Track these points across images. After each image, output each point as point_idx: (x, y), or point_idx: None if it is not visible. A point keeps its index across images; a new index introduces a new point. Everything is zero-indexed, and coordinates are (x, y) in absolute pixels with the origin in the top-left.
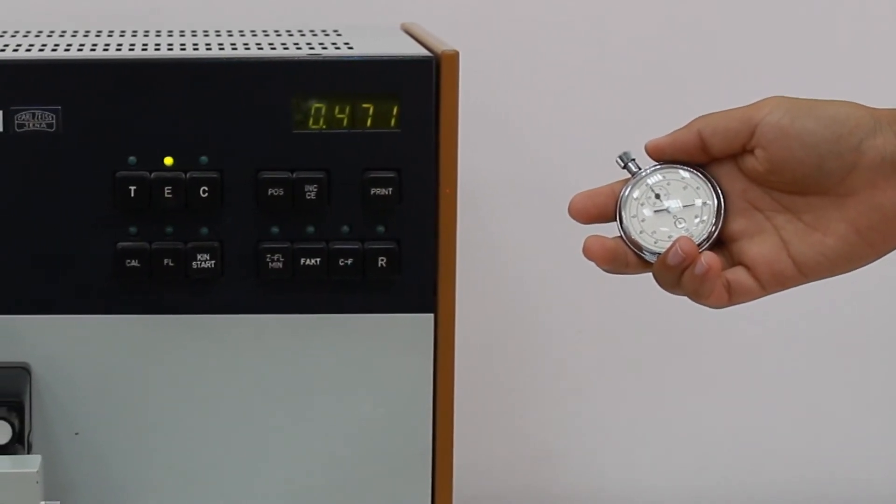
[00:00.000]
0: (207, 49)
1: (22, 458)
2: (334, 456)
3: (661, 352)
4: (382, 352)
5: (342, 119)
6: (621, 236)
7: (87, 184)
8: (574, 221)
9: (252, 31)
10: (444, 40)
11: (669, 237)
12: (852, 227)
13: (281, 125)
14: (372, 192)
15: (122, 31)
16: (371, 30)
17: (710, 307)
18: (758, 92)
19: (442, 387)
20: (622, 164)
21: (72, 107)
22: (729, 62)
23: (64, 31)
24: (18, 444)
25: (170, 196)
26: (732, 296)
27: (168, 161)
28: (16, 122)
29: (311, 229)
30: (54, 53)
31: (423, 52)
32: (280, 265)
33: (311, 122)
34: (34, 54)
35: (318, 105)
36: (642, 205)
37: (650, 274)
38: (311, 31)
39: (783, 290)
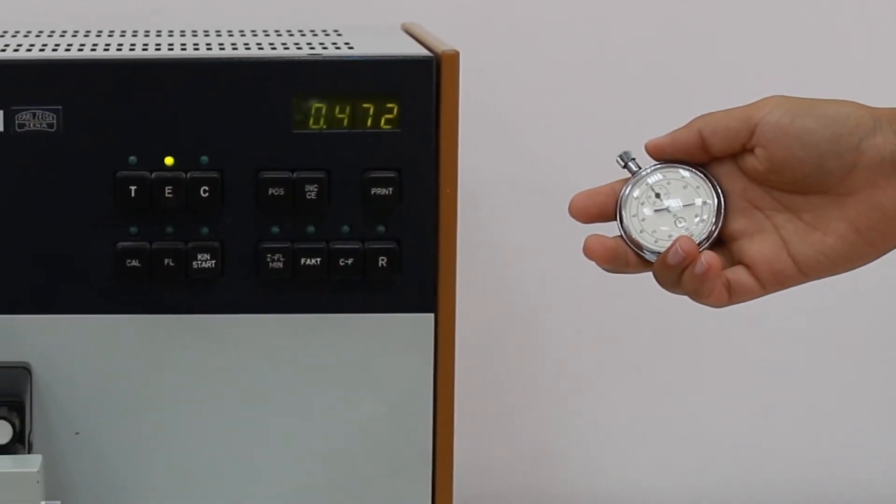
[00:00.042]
0: (208, 49)
1: (22, 457)
2: (334, 455)
3: (661, 352)
4: (383, 352)
5: (342, 119)
6: (621, 235)
7: (87, 184)
8: (574, 221)
9: (252, 31)
10: (445, 40)
11: (669, 236)
12: (852, 227)
13: (281, 125)
14: (372, 192)
15: (123, 31)
16: (371, 30)
17: (710, 306)
18: (758, 92)
19: (442, 386)
20: (622, 164)
21: (72, 107)
22: (729, 62)
23: (64, 32)
24: (19, 443)
25: (170, 196)
26: (732, 295)
27: (168, 161)
28: (16, 121)
29: (311, 229)
30: (55, 53)
31: (424, 52)
32: (280, 265)
33: (311, 121)
34: (35, 54)
35: (318, 105)
36: (642, 204)
37: (650, 273)
38: (312, 31)
39: (783, 289)
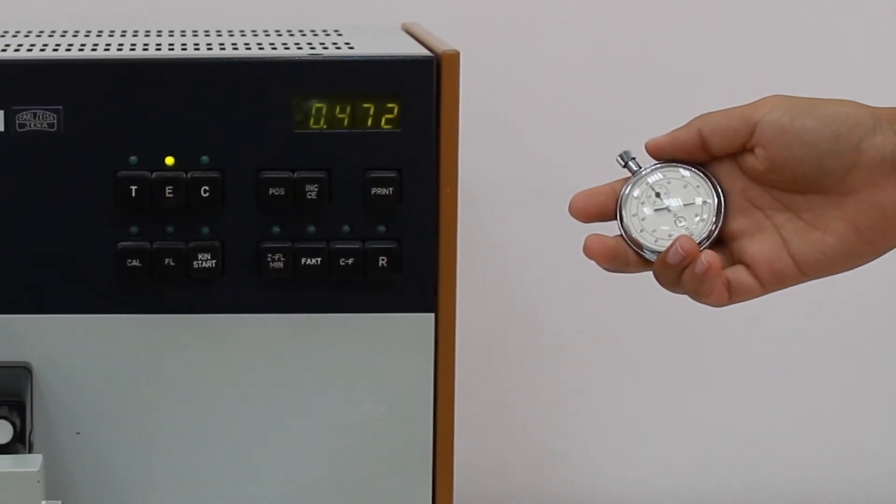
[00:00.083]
0: (208, 49)
1: (23, 457)
2: (335, 455)
3: (661, 352)
4: (383, 351)
5: (343, 119)
6: (622, 235)
7: (88, 183)
8: (574, 221)
9: (253, 31)
10: (445, 40)
11: (670, 236)
12: (852, 226)
13: (282, 125)
14: (373, 192)
15: (123, 32)
16: (372, 30)
17: (711, 306)
18: (758, 92)
19: (442, 386)
20: (622, 163)
21: (73, 107)
22: (729, 62)
23: (65, 32)
24: (20, 443)
25: (171, 196)
26: (732, 294)
27: (169, 161)
28: (17, 121)
29: (311, 229)
30: (55, 53)
31: (424, 52)
32: (281, 265)
33: (311, 121)
34: (35, 54)
35: (318, 105)
36: (643, 203)
37: (650, 273)
38: (312, 30)
39: (783, 288)
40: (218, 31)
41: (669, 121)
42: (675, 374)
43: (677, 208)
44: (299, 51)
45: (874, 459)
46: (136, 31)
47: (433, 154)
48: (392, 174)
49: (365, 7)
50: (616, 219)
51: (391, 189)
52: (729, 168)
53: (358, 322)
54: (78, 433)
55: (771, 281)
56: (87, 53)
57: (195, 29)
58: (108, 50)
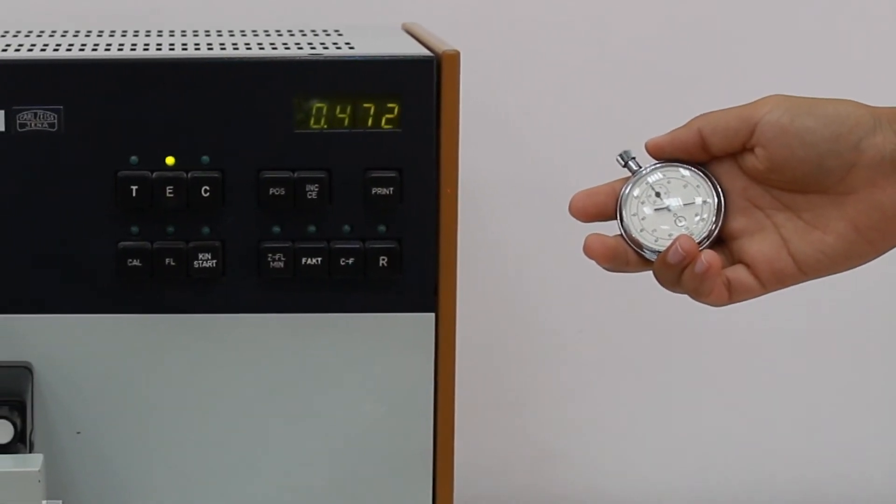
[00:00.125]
0: (209, 49)
1: (24, 457)
2: (335, 455)
3: (661, 352)
4: (383, 351)
5: (343, 119)
6: (622, 234)
7: (88, 183)
8: (574, 220)
9: (253, 31)
10: (445, 40)
11: (670, 235)
12: (852, 226)
13: (282, 125)
14: (373, 192)
15: (124, 32)
16: (372, 30)
17: (711, 305)
18: (758, 92)
19: (443, 386)
20: (622, 163)
21: (73, 107)
22: (729, 62)
23: (65, 32)
24: (20, 443)
25: (171, 196)
26: (732, 294)
27: (169, 161)
28: (18, 121)
29: (312, 229)
30: (56, 53)
31: (424, 52)
32: (281, 265)
33: (312, 121)
34: (36, 54)
35: (319, 105)
36: (643, 203)
37: (650, 273)
38: (313, 30)
39: (783, 288)
40: (218, 31)
41: (669, 121)
42: (675, 374)
43: (677, 208)
44: (300, 51)
45: (874, 459)
46: (136, 31)
47: (433, 154)
48: (392, 174)
49: (365, 7)
50: (616, 218)
51: (391, 189)
52: (729, 168)
53: (358, 322)
54: (78, 433)
55: (771, 280)
56: (88, 53)
57: (195, 29)
58: (108, 50)
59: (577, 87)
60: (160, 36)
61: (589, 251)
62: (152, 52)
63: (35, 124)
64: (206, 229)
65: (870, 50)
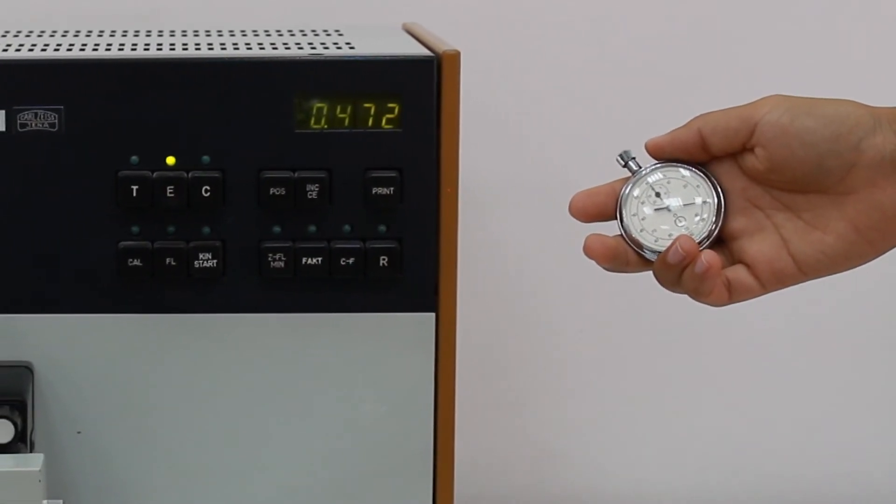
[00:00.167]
0: (209, 49)
1: (24, 456)
2: (336, 455)
3: (661, 351)
4: (384, 351)
5: (344, 119)
6: (622, 235)
7: (89, 183)
8: (575, 220)
9: (254, 31)
10: (446, 40)
11: (670, 235)
12: (852, 226)
13: (283, 125)
14: (373, 192)
15: (124, 32)
16: (372, 30)
17: (711, 305)
18: (758, 92)
19: (443, 386)
20: (622, 163)
21: (74, 106)
22: (729, 62)
23: (66, 32)
24: (21, 442)
25: (172, 195)
26: (732, 294)
27: (170, 160)
28: (18, 121)
29: (312, 228)
30: (56, 53)
31: (425, 51)
32: (282, 264)
33: (312, 121)
34: (36, 54)
35: (319, 105)
36: (643, 203)
37: (650, 273)
38: (313, 30)
39: (783, 288)
40: (219, 31)
41: (669, 121)
42: (675, 374)
43: (677, 208)
44: (300, 51)
45: (874, 459)
46: (136, 31)
47: (434, 154)
48: (393, 174)
49: (365, 7)
50: (616, 219)
51: (392, 189)
52: (729, 168)
53: (358, 322)
54: (79, 432)
55: (771, 280)
56: (89, 53)
57: (196, 29)
58: (109, 50)
59: (577, 87)
60: (160, 36)
61: (589, 251)
62: (153, 52)
63: (36, 124)
64: (206, 229)
65: (870, 50)
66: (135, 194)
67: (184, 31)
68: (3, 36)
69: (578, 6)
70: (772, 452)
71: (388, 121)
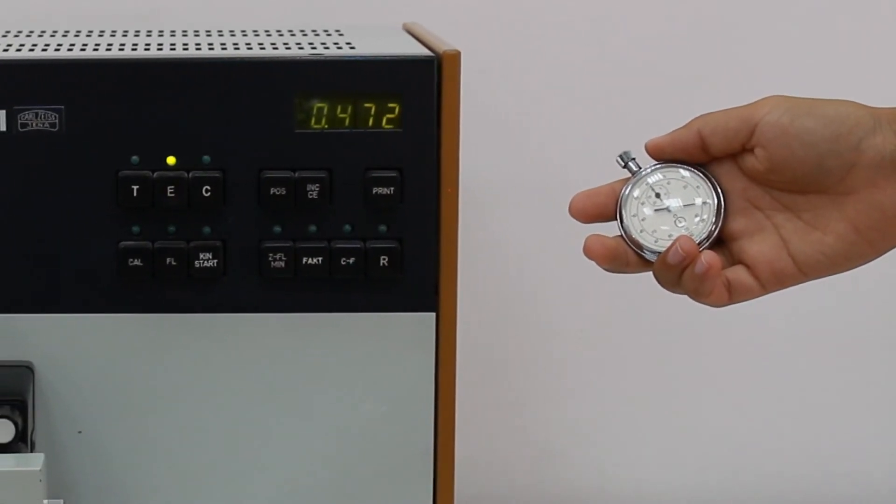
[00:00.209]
0: (210, 49)
1: (25, 456)
2: (336, 454)
3: (661, 351)
4: (384, 351)
5: (344, 118)
6: (622, 235)
7: (89, 183)
8: (575, 221)
9: (254, 31)
10: (446, 40)
11: (670, 236)
12: (852, 226)
13: (283, 125)
14: (374, 192)
15: (125, 31)
16: (373, 29)
17: (711, 306)
18: (758, 92)
19: (443, 385)
20: (622, 164)
21: (75, 106)
22: (729, 62)
23: (66, 32)
24: (21, 442)
25: (172, 195)
26: (732, 294)
27: (170, 160)
28: (19, 121)
29: (313, 228)
30: (57, 53)
31: (425, 51)
32: (282, 264)
33: (313, 121)
34: (37, 54)
35: (320, 104)
36: (643, 204)
37: (650, 273)
38: (314, 30)
39: (783, 288)
40: (219, 31)
41: (669, 121)
42: (675, 374)
43: (677, 209)
44: (300, 51)
45: (874, 459)
46: (136, 31)
47: (434, 154)
48: (393, 174)
49: (366, 7)
50: (616, 219)
51: (392, 189)
52: (729, 168)
53: (359, 322)
54: (79, 432)
55: (771, 281)
56: (89, 53)
57: (196, 29)
58: (109, 50)
59: (577, 87)
60: (161, 36)
61: (589, 252)
62: (153, 52)
63: (36, 124)
64: (206, 229)
65: (870, 50)
66: (135, 194)
67: (184, 31)
68: (4, 36)
69: (578, 6)
70: (772, 452)
71: (389, 121)
